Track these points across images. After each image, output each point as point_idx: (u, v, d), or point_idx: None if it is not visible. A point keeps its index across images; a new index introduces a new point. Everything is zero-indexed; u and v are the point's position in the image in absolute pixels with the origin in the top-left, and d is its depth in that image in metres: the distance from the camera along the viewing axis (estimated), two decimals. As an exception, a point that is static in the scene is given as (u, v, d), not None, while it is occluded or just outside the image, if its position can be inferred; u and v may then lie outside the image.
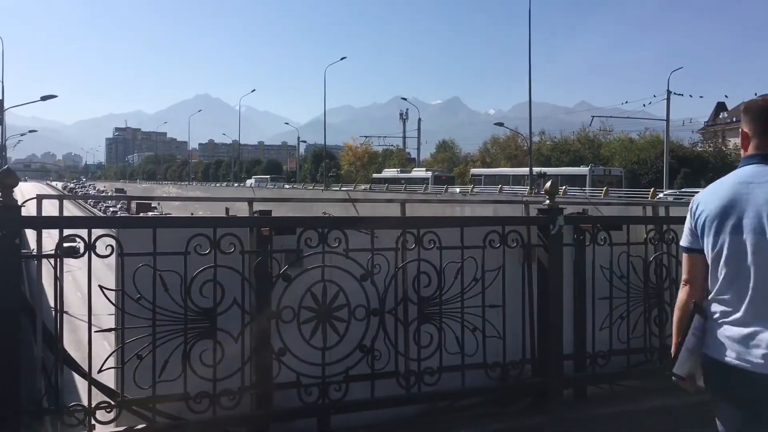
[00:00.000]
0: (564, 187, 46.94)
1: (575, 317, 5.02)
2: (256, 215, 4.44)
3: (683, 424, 4.83)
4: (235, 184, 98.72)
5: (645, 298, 5.24)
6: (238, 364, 3.98)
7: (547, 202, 4.92)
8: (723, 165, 56.86)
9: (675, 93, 54.48)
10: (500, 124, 65.53)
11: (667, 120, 53.79)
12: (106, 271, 3.91)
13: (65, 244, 3.70)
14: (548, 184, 5.11)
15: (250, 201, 4.84)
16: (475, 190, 57.86)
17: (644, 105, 59.28)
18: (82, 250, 3.70)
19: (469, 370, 4.56)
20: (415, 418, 4.52)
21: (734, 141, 71.22)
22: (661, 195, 37.71)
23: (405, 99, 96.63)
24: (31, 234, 4.31)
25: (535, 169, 52.07)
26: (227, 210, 4.56)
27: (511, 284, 4.74)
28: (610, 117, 67.76)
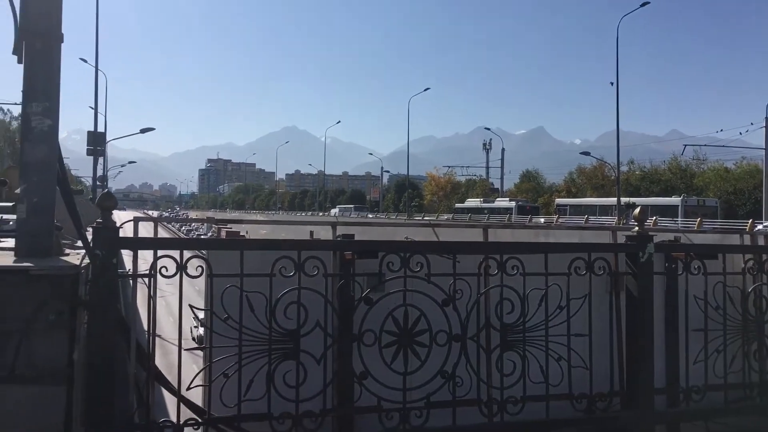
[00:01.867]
0: (654, 217, 45.29)
1: (667, 349, 4.81)
2: (339, 239, 4.50)
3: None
4: (320, 213, 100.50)
5: (743, 330, 4.96)
6: (320, 386, 4.01)
7: (636, 229, 4.77)
8: (829, 195, 53.50)
9: (774, 120, 51.82)
10: (586, 154, 64.04)
11: (767, 148, 51.19)
12: (196, 297, 4.05)
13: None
14: (637, 210, 4.95)
15: (334, 225, 4.92)
16: (560, 220, 56.62)
17: (740, 133, 56.65)
18: (174, 271, 3.84)
19: (554, 400, 4.43)
20: (497, 449, 4.41)
21: (842, 170, 66.92)
22: (760, 227, 35.78)
23: (488, 129, 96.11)
24: (126, 256, 4.53)
25: (623, 199, 50.45)
26: (311, 233, 4.64)
27: (597, 313, 4.60)
28: (704, 146, 65.05)
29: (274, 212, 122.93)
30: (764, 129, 51.04)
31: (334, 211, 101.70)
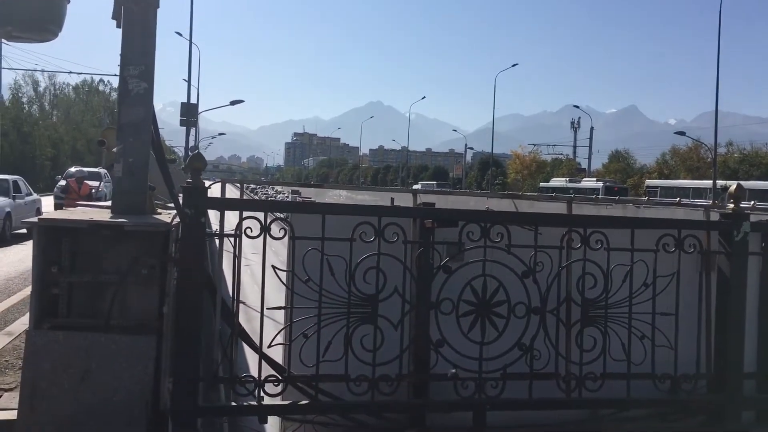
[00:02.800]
0: (753, 201, 42.97)
1: (760, 332, 4.59)
2: (420, 206, 4.50)
3: None
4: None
5: None
6: (397, 351, 4.05)
7: (732, 206, 4.55)
8: None
9: None
10: (681, 134, 61.35)
11: None
12: (279, 266, 4.16)
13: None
14: (733, 187, 4.72)
15: (414, 193, 4.93)
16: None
17: None
18: (258, 232, 3.95)
19: (635, 379, 4.31)
20: (574, 425, 4.36)
21: None
22: None
23: (577, 107, 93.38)
24: (213, 216, 4.69)
25: (720, 182, 48.15)
26: (392, 200, 4.67)
27: (685, 292, 4.43)
28: (812, 127, 61.07)
29: (356, 187, 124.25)
30: None
31: (416, 186, 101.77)
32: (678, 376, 4.37)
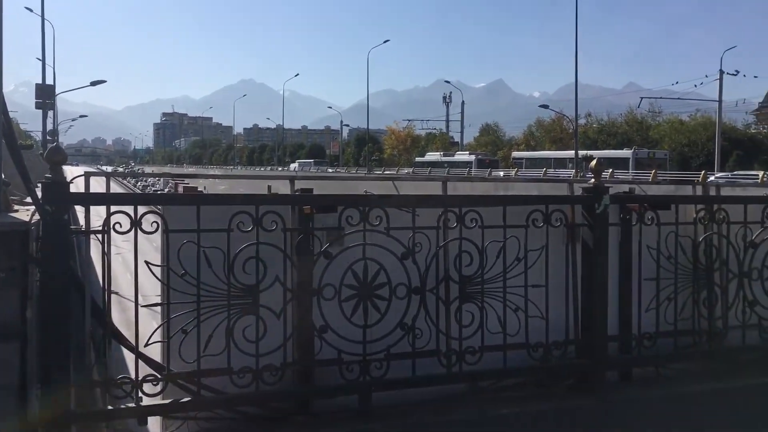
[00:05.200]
0: (611, 170, 46.07)
1: (620, 298, 4.93)
2: (297, 193, 4.46)
3: (731, 408, 4.72)
4: (279, 168, 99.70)
5: (694, 279, 5.11)
6: (281, 340, 4.02)
7: (593, 180, 4.83)
8: (778, 147, 55.05)
9: (728, 73, 52.78)
10: (545, 107, 64.56)
11: (720, 101, 52.18)
12: (154, 253, 3.99)
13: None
14: (593, 162, 5.01)
15: (292, 179, 4.88)
16: (519, 173, 57.21)
17: (695, 86, 57.64)
18: (128, 227, 3.76)
19: (511, 350, 4.52)
20: (457, 397, 4.51)
21: (790, 122, 68.74)
22: (712, 178, 36.77)
23: (448, 82, 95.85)
24: (80, 213, 4.42)
25: (581, 152, 51.17)
26: (269, 188, 4.59)
27: (554, 264, 4.67)
28: (660, 98, 66.08)
29: (232, 167, 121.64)
30: (718, 82, 52.00)
31: (294, 165, 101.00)
32: (549, 343, 4.62)
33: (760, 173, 39.53)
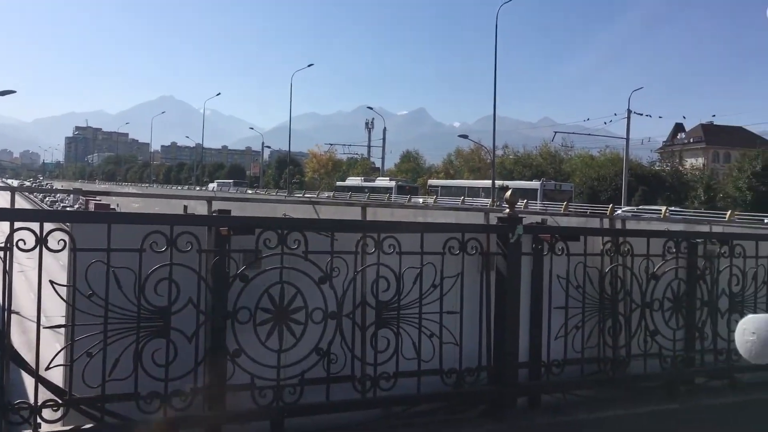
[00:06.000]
0: (526, 200, 47.58)
1: (531, 326, 5.07)
2: (215, 214, 4.39)
3: (633, 433, 4.91)
4: (197, 188, 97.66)
5: (600, 308, 5.31)
6: (192, 364, 3.91)
7: (507, 211, 4.97)
8: (679, 184, 58.28)
9: (635, 112, 55.69)
10: (464, 137, 66.09)
11: (627, 138, 54.95)
12: (60, 272, 3.82)
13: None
14: (508, 193, 5.17)
15: (209, 200, 4.80)
16: (438, 200, 58.24)
17: (605, 123, 60.49)
18: (33, 245, 3.60)
19: (425, 376, 4.56)
20: (371, 423, 4.50)
21: (690, 161, 73.06)
22: (619, 212, 38.52)
23: (371, 108, 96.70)
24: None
25: (498, 182, 52.65)
26: (185, 208, 4.50)
27: (469, 291, 4.77)
28: (572, 134, 69.00)
29: (147, 185, 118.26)
30: (626, 120, 54.74)
31: (212, 185, 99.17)
32: (462, 370, 4.69)
33: (663, 208, 41.75)
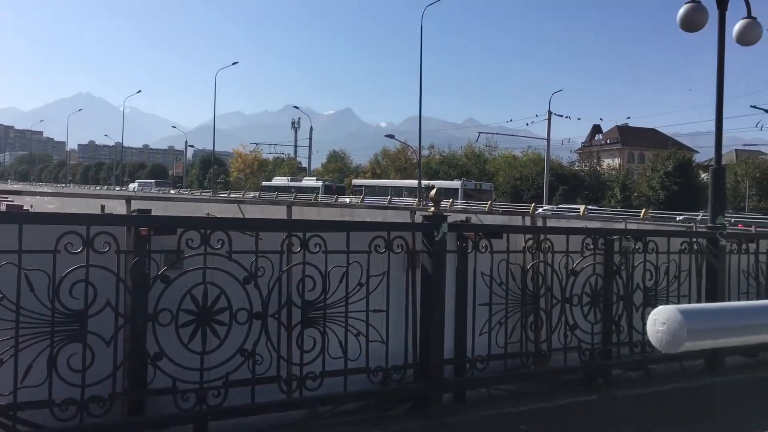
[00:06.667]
0: (451, 199, 48.34)
1: (456, 322, 5.14)
2: (134, 214, 4.26)
3: (555, 426, 5.05)
4: (117, 188, 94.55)
5: (522, 304, 5.44)
6: (110, 369, 3.78)
7: (432, 209, 5.03)
8: (597, 184, 60.37)
9: (556, 114, 57.32)
10: (391, 137, 66.49)
11: (548, 139, 56.55)
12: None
13: None
14: (433, 192, 5.22)
15: (129, 199, 4.65)
16: (365, 200, 58.43)
17: (527, 124, 61.98)
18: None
19: (352, 374, 4.56)
20: (297, 424, 4.47)
21: (607, 161, 75.82)
22: (540, 210, 39.64)
23: (297, 108, 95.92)
24: None
25: (424, 182, 53.25)
26: (102, 208, 4.35)
27: (395, 289, 4.79)
28: (496, 134, 70.44)
29: (64, 185, 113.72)
30: (546, 121, 56.36)
31: (133, 185, 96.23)
32: (389, 367, 4.71)
33: (582, 207, 43.17)
